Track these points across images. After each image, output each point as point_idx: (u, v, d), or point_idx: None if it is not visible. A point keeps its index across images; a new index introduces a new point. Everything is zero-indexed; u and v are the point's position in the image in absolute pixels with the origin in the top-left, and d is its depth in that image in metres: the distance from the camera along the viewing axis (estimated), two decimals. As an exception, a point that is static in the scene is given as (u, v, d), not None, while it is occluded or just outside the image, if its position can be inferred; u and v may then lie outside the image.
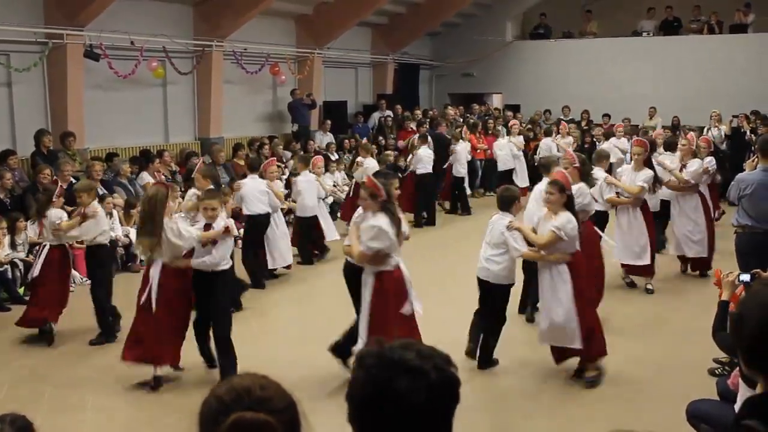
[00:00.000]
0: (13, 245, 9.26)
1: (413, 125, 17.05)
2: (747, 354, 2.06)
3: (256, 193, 9.39)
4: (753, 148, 14.90)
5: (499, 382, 6.56)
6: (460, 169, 14.88)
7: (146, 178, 11.62)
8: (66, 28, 11.68)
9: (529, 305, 7.87)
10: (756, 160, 7.33)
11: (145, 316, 6.31)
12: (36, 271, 7.60)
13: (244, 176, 10.07)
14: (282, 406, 1.54)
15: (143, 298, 6.30)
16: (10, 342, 7.65)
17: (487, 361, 6.67)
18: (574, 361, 6.76)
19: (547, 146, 15.83)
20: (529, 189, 15.33)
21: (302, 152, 14.00)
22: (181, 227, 6.32)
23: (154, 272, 6.27)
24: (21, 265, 9.21)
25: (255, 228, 9.55)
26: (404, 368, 1.57)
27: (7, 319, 8.47)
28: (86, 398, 6.17)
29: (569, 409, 5.93)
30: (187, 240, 6.31)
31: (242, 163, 12.53)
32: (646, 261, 8.88)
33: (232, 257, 6.76)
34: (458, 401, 1.63)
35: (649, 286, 9.07)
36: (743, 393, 3.61)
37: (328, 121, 17.13)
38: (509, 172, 15.78)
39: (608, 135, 15.33)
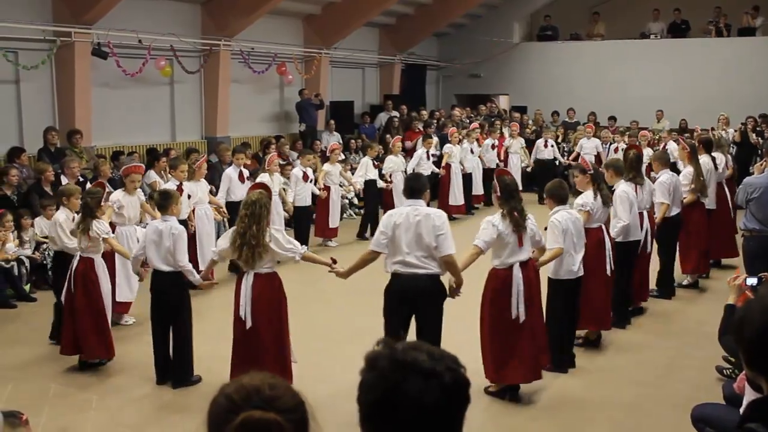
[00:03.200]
0: (19, 242, 9.29)
1: (420, 126, 17.04)
2: (748, 355, 2.05)
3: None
4: (760, 152, 14.89)
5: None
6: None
7: (153, 176, 11.60)
8: (74, 26, 11.71)
9: None
10: (764, 163, 7.32)
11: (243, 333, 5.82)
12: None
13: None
14: (291, 405, 1.54)
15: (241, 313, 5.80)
16: (15, 340, 7.67)
17: None
18: (577, 363, 6.76)
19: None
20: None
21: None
22: (287, 237, 5.99)
23: (246, 285, 5.79)
24: (27, 262, 9.24)
25: None
26: (417, 370, 1.56)
27: (13, 315, 8.50)
28: (91, 397, 6.18)
29: (573, 412, 5.92)
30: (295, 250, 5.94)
31: (248, 162, 12.53)
32: None
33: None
34: (469, 402, 1.63)
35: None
36: (749, 397, 3.59)
37: (332, 121, 17.12)
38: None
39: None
